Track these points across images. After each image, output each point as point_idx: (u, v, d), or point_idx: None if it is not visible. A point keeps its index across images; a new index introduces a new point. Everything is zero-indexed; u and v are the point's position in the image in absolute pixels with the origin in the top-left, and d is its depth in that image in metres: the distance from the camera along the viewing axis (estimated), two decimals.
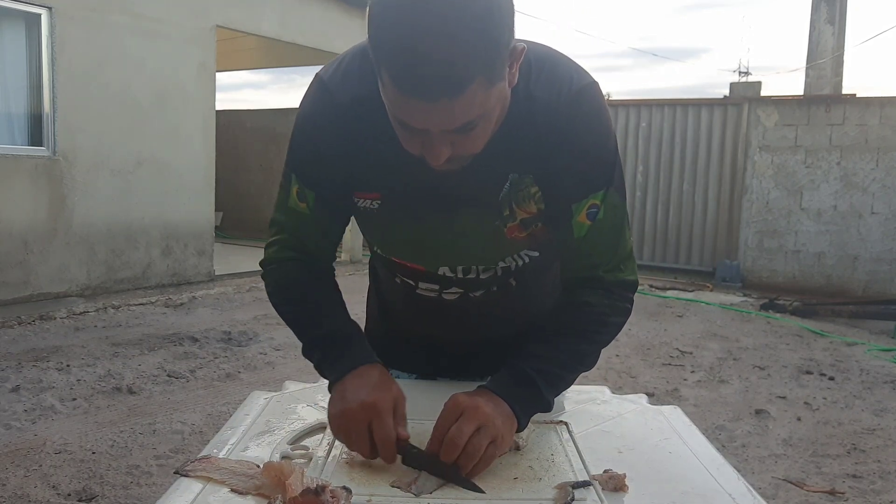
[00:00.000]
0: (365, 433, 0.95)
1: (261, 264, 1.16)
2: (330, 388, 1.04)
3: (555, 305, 1.12)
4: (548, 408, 1.05)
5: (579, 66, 1.03)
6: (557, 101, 0.98)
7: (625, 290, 1.08)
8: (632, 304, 1.10)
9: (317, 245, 1.14)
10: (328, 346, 1.07)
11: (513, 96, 0.96)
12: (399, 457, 0.96)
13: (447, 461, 0.93)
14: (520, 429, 1.01)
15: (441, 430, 0.95)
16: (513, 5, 0.87)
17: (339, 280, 1.17)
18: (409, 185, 1.04)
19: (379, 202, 1.07)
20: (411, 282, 1.18)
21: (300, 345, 1.10)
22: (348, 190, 1.08)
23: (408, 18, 0.80)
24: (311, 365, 1.10)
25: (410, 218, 1.08)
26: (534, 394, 1.02)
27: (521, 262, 1.13)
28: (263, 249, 1.16)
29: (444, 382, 1.33)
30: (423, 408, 1.06)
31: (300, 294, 1.12)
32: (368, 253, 1.33)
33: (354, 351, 1.06)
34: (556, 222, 1.06)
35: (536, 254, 1.13)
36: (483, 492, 0.92)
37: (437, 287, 1.16)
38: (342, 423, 0.97)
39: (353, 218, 1.15)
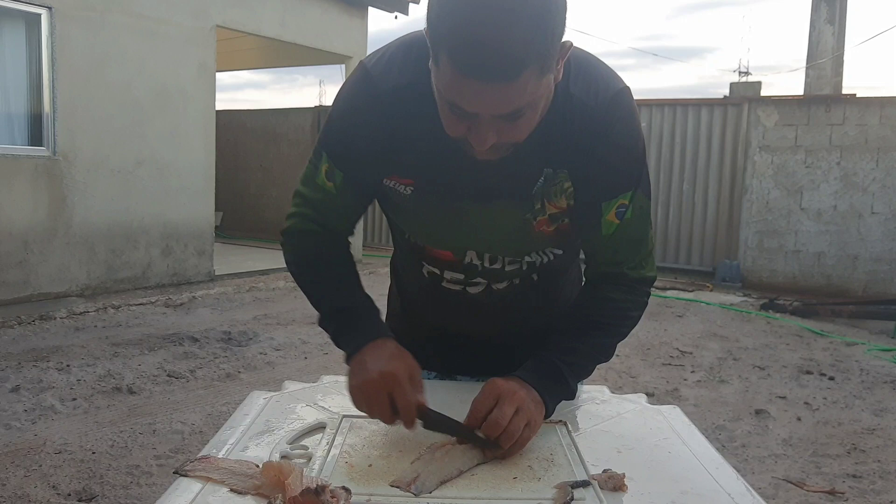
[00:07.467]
0: (386, 401, 1.01)
1: (281, 233, 1.20)
2: (347, 360, 1.09)
3: (578, 299, 1.17)
4: (572, 396, 1.13)
5: (613, 71, 1.06)
6: (595, 103, 1.01)
7: (644, 286, 1.15)
8: (649, 298, 1.17)
9: (337, 221, 1.18)
10: (345, 319, 1.13)
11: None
12: (419, 422, 1.02)
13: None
14: (547, 415, 1.06)
15: (479, 411, 1.00)
16: (566, 2, 0.89)
17: None
18: (444, 174, 1.07)
19: (412, 188, 1.10)
20: (437, 271, 1.20)
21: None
22: (379, 174, 1.11)
23: (470, 4, 0.84)
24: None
25: (442, 205, 1.10)
26: (561, 383, 1.09)
27: (545, 259, 1.17)
28: (285, 219, 1.19)
29: (464, 382, 1.34)
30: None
31: (319, 266, 1.18)
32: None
33: (371, 325, 1.12)
34: (583, 219, 1.09)
35: (560, 252, 1.17)
36: (500, 447, 0.97)
37: (462, 277, 1.19)
38: (364, 392, 1.03)
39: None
